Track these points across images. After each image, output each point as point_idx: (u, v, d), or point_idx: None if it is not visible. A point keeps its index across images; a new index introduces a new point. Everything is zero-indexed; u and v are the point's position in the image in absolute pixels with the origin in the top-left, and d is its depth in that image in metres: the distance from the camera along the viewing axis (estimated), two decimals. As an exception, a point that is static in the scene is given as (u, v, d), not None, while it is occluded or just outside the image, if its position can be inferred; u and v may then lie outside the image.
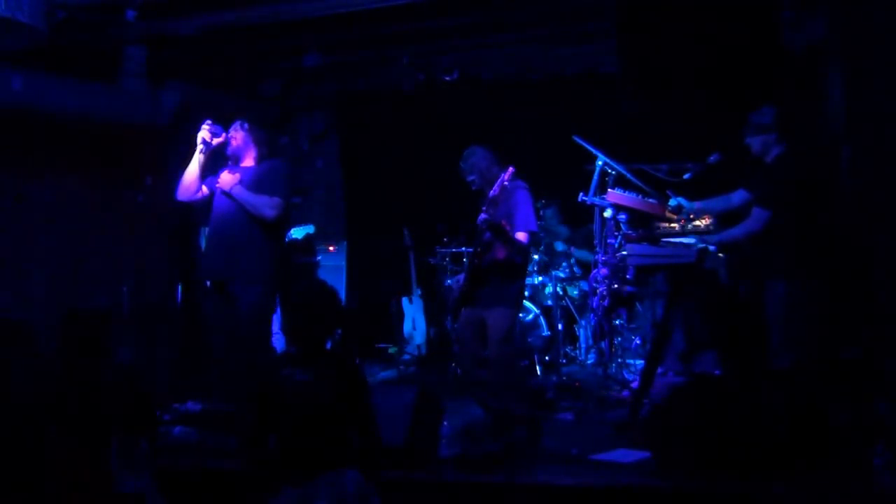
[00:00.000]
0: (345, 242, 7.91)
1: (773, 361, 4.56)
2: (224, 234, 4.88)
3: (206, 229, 6.18)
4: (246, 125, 5.04)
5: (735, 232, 4.72)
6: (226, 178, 4.88)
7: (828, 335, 4.89)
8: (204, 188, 4.98)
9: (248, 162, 5.04)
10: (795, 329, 4.52)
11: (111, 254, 6.36)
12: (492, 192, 4.70)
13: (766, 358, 4.67)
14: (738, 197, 4.91)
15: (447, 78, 7.04)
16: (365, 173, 8.48)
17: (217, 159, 5.08)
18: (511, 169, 4.69)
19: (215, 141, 4.88)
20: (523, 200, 4.89)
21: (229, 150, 5.01)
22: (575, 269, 7.13)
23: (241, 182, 4.85)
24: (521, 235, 4.82)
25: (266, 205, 4.80)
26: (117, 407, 3.47)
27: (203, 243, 6.28)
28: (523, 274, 5.12)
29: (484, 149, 5.00)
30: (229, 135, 4.97)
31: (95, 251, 6.25)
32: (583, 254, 7.08)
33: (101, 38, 5.57)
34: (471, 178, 4.96)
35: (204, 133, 4.84)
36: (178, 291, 6.75)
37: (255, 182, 4.89)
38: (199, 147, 4.85)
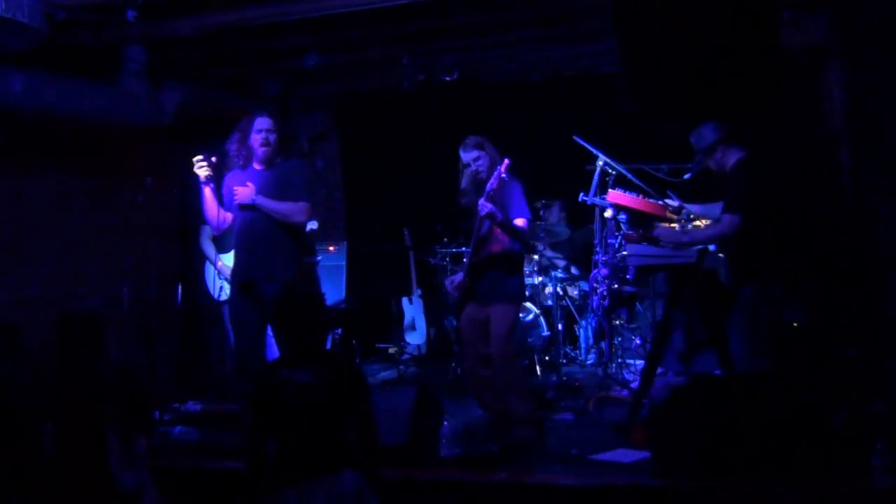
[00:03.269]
0: (345, 242, 7.92)
1: (737, 366, 4.55)
2: (251, 239, 4.77)
3: (205, 227, 6.23)
4: (276, 123, 4.87)
5: (706, 233, 4.69)
6: (243, 192, 4.72)
7: (826, 335, 4.90)
8: (227, 214, 4.88)
9: (259, 164, 4.90)
10: (759, 335, 4.50)
11: (111, 254, 6.37)
12: (489, 185, 4.68)
13: (730, 363, 4.66)
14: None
15: (447, 78, 7.03)
16: (365, 173, 8.49)
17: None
18: (507, 161, 4.68)
19: (211, 170, 4.75)
20: (516, 190, 4.89)
21: (262, 152, 4.81)
22: (573, 269, 7.15)
23: (256, 189, 4.73)
24: (520, 222, 4.83)
25: (296, 212, 4.74)
26: (114, 405, 3.49)
27: (204, 244, 6.29)
28: (521, 267, 5.11)
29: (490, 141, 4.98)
30: (265, 133, 4.79)
31: (95, 251, 6.26)
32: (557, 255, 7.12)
33: (101, 38, 5.57)
34: (481, 161, 4.87)
35: (202, 171, 4.69)
36: (178, 291, 6.75)
37: (276, 187, 4.78)
38: (204, 181, 4.72)
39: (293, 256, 4.84)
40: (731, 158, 4.58)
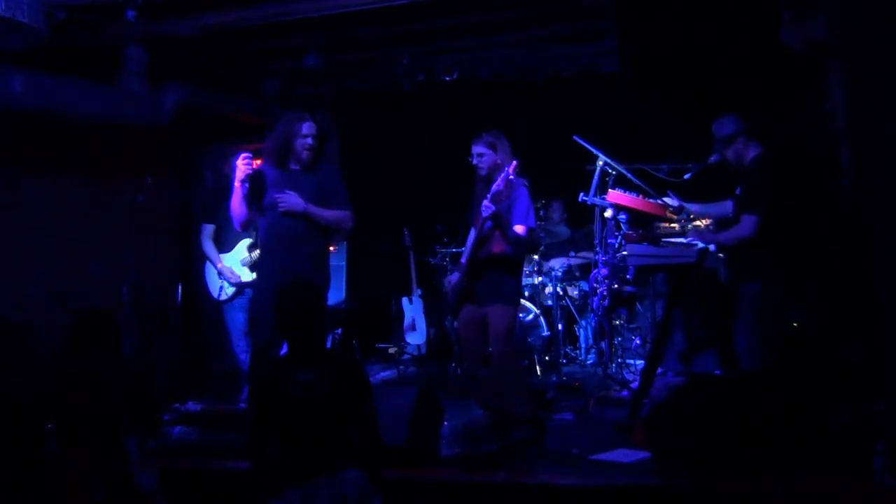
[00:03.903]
0: (345, 242, 7.92)
1: (742, 364, 4.55)
2: (288, 241, 4.73)
3: (205, 227, 6.22)
4: (318, 128, 4.82)
5: (725, 236, 4.68)
6: (291, 201, 4.66)
7: (826, 335, 4.90)
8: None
9: (296, 165, 4.81)
10: (766, 332, 4.50)
11: (111, 254, 6.36)
12: (496, 186, 4.65)
13: (735, 360, 4.66)
14: (731, 205, 4.91)
15: (447, 78, 7.04)
16: (365, 173, 8.46)
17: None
18: (515, 162, 4.66)
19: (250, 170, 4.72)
20: (524, 197, 4.86)
21: (305, 156, 4.76)
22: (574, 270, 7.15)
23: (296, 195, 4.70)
24: (519, 228, 4.79)
25: (346, 219, 4.80)
26: (126, 404, 3.49)
27: (204, 244, 6.29)
28: (519, 269, 5.10)
29: (505, 136, 4.92)
30: (311, 139, 4.75)
31: (95, 251, 6.25)
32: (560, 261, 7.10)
33: (101, 38, 5.57)
34: (485, 158, 4.83)
35: (245, 168, 4.63)
36: (178, 291, 6.75)
37: (316, 191, 4.74)
38: (240, 180, 4.66)
39: (328, 259, 4.91)
40: (750, 152, 4.63)
